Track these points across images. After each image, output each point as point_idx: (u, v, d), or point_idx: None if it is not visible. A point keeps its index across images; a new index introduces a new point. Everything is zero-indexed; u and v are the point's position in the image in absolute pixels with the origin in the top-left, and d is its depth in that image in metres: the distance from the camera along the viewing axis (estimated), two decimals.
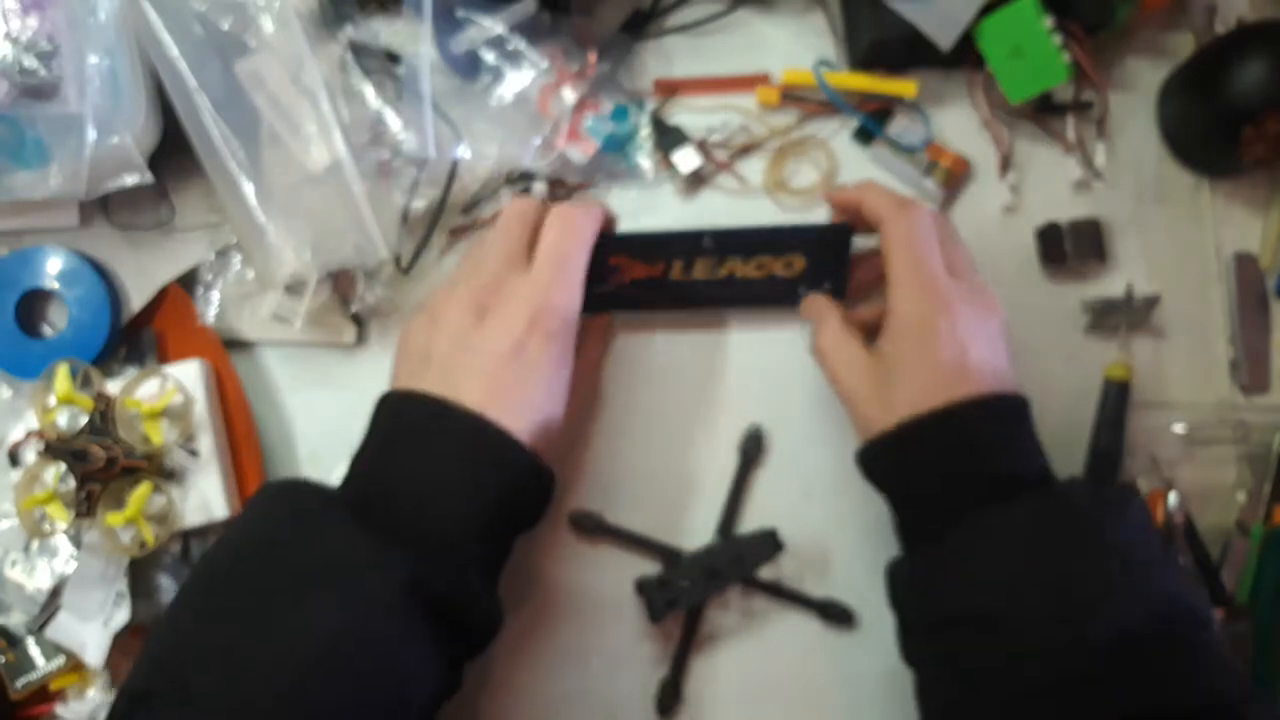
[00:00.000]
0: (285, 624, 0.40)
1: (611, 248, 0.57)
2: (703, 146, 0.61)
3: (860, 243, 0.57)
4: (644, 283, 0.58)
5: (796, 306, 0.58)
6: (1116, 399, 0.58)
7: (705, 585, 0.55)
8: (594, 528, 0.58)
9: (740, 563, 0.55)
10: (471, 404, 0.45)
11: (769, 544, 0.55)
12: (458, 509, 0.44)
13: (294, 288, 0.58)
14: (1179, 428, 0.60)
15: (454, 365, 0.46)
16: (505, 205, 0.52)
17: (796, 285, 0.58)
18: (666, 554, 0.57)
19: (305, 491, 0.46)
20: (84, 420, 0.53)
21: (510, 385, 0.46)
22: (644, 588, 0.55)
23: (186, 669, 0.40)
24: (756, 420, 0.60)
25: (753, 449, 0.59)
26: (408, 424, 0.46)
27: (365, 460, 0.47)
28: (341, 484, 0.46)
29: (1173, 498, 0.57)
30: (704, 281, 0.58)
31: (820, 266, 0.58)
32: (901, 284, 0.49)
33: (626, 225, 0.59)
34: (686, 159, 0.60)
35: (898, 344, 0.48)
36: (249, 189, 0.53)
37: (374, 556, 0.41)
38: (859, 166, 0.63)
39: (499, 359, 0.46)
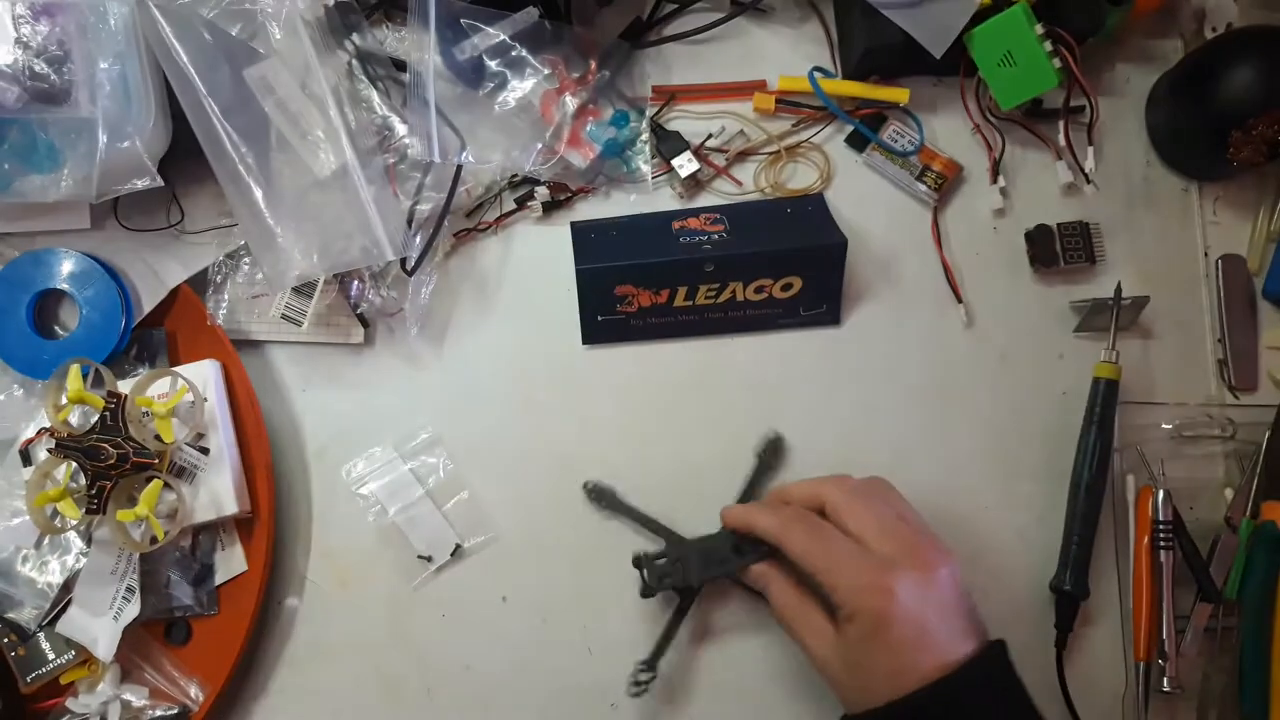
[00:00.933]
0: None
1: (617, 276, 0.58)
2: (700, 151, 0.62)
3: (853, 260, 0.59)
4: (650, 310, 0.59)
5: (797, 328, 0.61)
6: (1106, 397, 0.59)
7: (701, 568, 0.55)
8: (606, 500, 0.59)
9: (739, 553, 0.55)
10: None
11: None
12: None
13: (302, 289, 0.60)
14: (1168, 426, 0.61)
15: None
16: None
17: (796, 306, 0.60)
18: (670, 536, 0.58)
19: None
20: (95, 419, 0.53)
21: None
22: (641, 561, 0.56)
23: None
24: (776, 426, 0.61)
25: (769, 456, 0.60)
26: None
27: None
28: None
29: (1161, 494, 0.58)
30: (707, 307, 0.60)
31: (817, 286, 0.60)
32: (845, 559, 0.48)
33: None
34: (685, 164, 0.61)
35: (855, 635, 0.47)
36: (258, 193, 0.54)
37: None
38: (853, 171, 0.64)
39: None
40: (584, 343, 0.61)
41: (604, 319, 0.60)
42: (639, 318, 0.60)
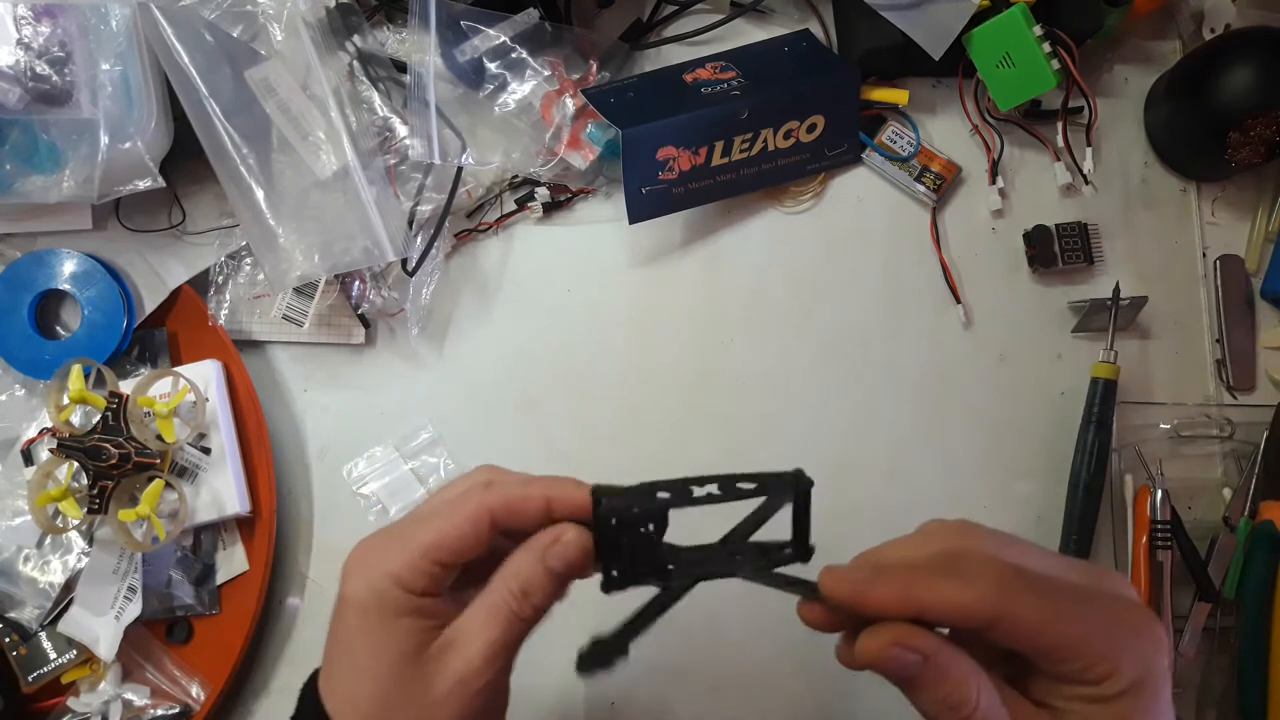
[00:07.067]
0: None
1: (662, 137, 0.58)
2: None
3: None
4: (690, 174, 0.60)
5: (825, 170, 0.63)
6: (1104, 397, 0.60)
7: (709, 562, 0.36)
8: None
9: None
10: (321, 690, 0.37)
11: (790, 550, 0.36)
12: None
13: (304, 289, 0.60)
14: (1166, 425, 0.62)
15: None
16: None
17: (821, 148, 0.62)
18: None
19: None
20: (97, 419, 0.54)
21: (332, 668, 0.37)
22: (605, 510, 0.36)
23: None
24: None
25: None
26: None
27: None
28: None
29: (1159, 494, 0.58)
30: (741, 162, 0.61)
31: (837, 123, 0.61)
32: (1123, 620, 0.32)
33: (624, 225, 0.60)
34: None
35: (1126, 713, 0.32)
36: (260, 193, 0.54)
37: None
38: (852, 171, 0.64)
39: (330, 635, 0.37)
40: (630, 221, 0.60)
41: (648, 190, 0.59)
42: (680, 184, 0.60)
